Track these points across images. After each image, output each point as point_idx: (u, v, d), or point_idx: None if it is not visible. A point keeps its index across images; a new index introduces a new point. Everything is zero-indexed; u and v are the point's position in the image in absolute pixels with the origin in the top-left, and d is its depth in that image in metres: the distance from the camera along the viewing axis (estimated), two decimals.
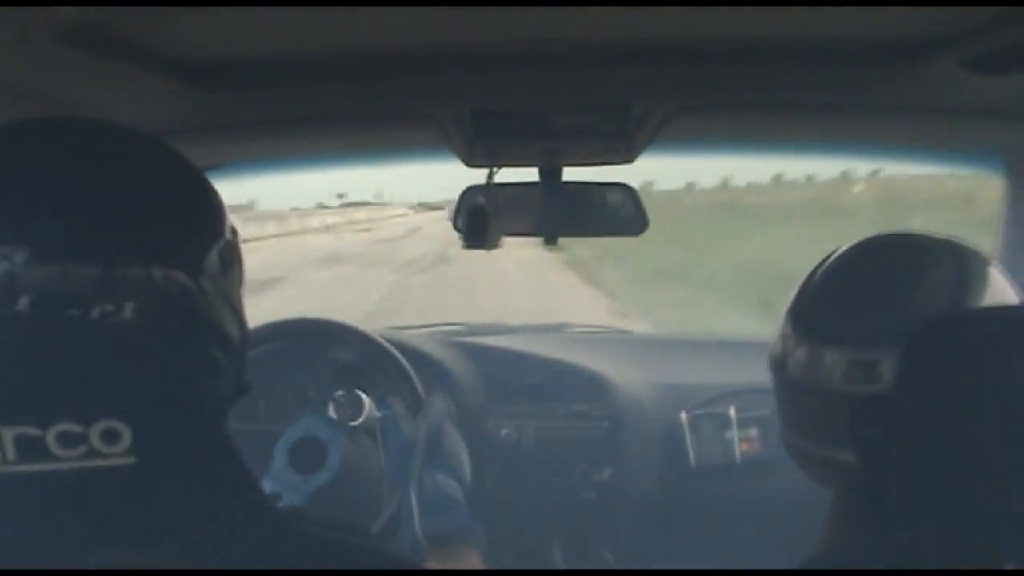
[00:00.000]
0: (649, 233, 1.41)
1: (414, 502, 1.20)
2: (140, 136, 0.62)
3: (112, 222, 0.56)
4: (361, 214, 58.84)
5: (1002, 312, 0.69)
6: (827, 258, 0.80)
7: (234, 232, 0.66)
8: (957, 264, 0.72)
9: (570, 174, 1.38)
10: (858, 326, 0.71)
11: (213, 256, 0.61)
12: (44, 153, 0.57)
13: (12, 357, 0.50)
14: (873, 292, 0.73)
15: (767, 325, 0.89)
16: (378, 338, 1.73)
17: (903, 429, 0.65)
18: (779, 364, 0.79)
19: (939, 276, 0.72)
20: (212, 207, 0.64)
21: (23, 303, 0.52)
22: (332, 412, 1.67)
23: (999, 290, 0.71)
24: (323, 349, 1.71)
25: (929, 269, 0.72)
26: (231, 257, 0.64)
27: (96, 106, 0.91)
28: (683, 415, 1.85)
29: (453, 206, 1.42)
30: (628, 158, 1.32)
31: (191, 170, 0.64)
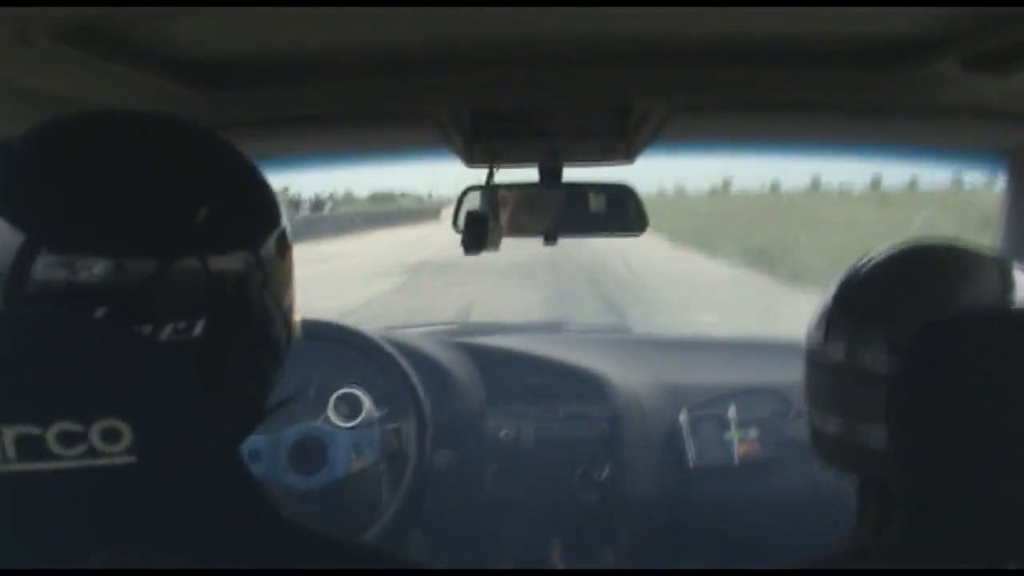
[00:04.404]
0: None
1: None
2: (187, 126, 0.62)
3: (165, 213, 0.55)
4: None
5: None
6: (874, 255, 0.81)
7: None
8: (1003, 277, 0.74)
9: (576, 174, 1.38)
10: (906, 316, 0.73)
11: (270, 246, 0.61)
12: (84, 146, 0.56)
13: (30, 354, 0.49)
14: (921, 289, 0.75)
15: None
16: (377, 338, 1.72)
17: (917, 426, 0.65)
18: (819, 347, 0.80)
19: (985, 285, 0.74)
20: (267, 196, 0.63)
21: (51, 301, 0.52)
22: (332, 412, 1.67)
23: None
24: (322, 349, 1.71)
25: (974, 276, 0.75)
26: (283, 244, 0.63)
27: (96, 106, 0.91)
28: (682, 416, 1.85)
29: None
30: (628, 158, 1.31)
31: (241, 158, 0.63)
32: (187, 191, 0.57)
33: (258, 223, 0.61)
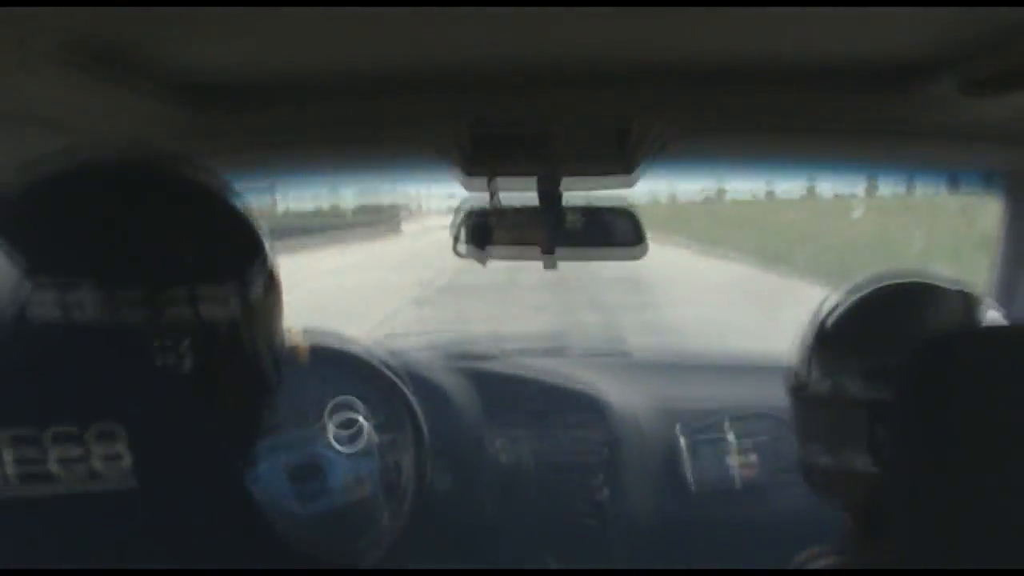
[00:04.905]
0: None
1: None
2: (173, 158, 0.62)
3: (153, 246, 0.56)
4: None
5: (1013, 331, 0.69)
6: (850, 287, 0.85)
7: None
8: (971, 309, 0.80)
9: (576, 195, 1.37)
10: (883, 342, 0.78)
11: (253, 276, 0.61)
12: (83, 187, 0.57)
13: (33, 371, 0.49)
14: (896, 320, 0.80)
15: None
16: (377, 363, 1.72)
17: (918, 443, 0.64)
18: (800, 381, 0.85)
19: (954, 317, 0.80)
20: (248, 226, 0.63)
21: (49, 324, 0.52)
22: (331, 436, 1.67)
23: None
24: (322, 373, 1.70)
25: (944, 309, 0.81)
26: (271, 279, 0.63)
27: (94, 127, 0.91)
28: (682, 439, 1.84)
29: None
30: (628, 178, 1.32)
31: (227, 189, 0.64)
32: (170, 224, 0.57)
33: (243, 253, 0.61)
